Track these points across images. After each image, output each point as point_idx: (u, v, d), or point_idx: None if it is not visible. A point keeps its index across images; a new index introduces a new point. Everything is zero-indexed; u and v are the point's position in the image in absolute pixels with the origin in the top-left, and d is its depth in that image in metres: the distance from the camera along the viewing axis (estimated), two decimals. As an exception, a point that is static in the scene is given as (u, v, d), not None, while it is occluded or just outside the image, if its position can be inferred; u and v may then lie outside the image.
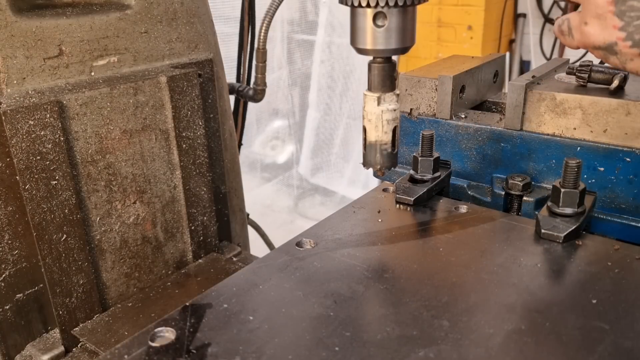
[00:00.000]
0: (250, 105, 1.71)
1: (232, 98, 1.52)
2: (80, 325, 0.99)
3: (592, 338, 0.59)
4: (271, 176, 4.71)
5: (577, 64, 0.97)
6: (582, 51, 3.00)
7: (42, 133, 0.88)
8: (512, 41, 4.51)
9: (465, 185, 1.04)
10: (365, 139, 0.78)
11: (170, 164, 1.11)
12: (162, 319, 0.64)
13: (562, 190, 0.81)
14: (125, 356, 0.59)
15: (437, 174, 0.96)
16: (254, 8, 1.61)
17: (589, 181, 0.91)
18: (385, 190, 0.99)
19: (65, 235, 0.94)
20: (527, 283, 0.69)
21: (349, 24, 0.72)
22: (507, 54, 4.47)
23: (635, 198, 0.88)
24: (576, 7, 0.75)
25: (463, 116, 1.05)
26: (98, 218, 1.00)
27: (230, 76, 1.46)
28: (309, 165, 4.61)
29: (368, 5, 0.67)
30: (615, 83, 0.90)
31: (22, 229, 0.92)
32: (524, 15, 4.43)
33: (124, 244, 1.06)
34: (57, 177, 0.91)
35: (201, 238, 1.21)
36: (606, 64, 0.78)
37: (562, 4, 4.05)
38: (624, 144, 0.87)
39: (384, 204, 0.93)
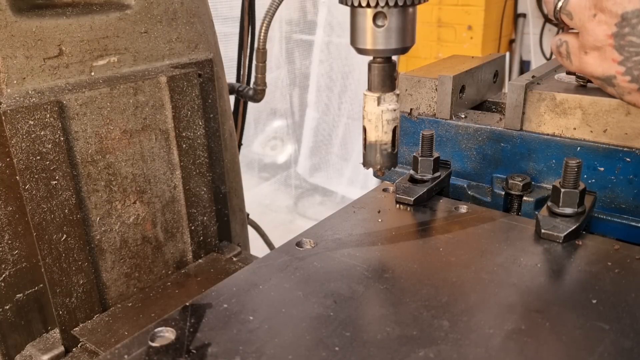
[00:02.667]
0: (249, 105, 1.71)
1: (232, 98, 1.52)
2: (80, 325, 0.99)
3: (592, 338, 0.59)
4: (269, 175, 4.71)
5: (577, 64, 0.97)
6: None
7: (42, 133, 0.88)
8: (512, 41, 4.51)
9: (465, 185, 1.04)
10: (365, 139, 0.78)
11: (170, 164, 1.11)
12: (162, 319, 0.64)
13: (562, 190, 0.81)
14: (125, 356, 0.59)
15: (437, 174, 0.96)
16: (254, 8, 1.61)
17: (589, 181, 0.91)
18: (385, 190, 0.99)
19: (65, 235, 0.94)
20: (527, 283, 0.69)
21: (349, 23, 0.72)
22: (507, 54, 4.47)
23: (635, 198, 0.88)
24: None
25: (463, 116, 1.05)
26: (98, 218, 1.00)
27: (230, 76, 1.46)
28: (308, 165, 4.61)
29: (368, 5, 0.67)
30: (615, 83, 0.90)
31: (22, 229, 0.92)
32: (524, 15, 4.43)
33: (124, 244, 1.06)
34: (57, 177, 0.91)
35: (201, 238, 1.21)
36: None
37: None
38: (624, 144, 0.87)
39: (384, 204, 0.93)
